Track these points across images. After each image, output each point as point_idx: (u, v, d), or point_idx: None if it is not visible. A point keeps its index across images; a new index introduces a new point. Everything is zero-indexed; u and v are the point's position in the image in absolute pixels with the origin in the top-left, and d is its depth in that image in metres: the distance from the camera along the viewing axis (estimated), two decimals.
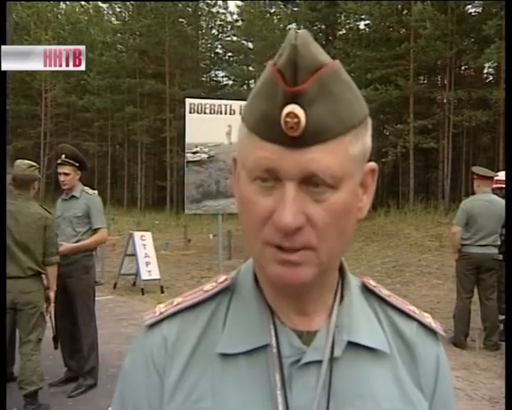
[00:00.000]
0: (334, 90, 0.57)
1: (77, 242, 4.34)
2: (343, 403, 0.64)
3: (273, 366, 0.63)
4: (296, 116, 0.55)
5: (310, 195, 0.58)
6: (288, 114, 0.55)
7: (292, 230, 0.57)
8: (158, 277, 8.81)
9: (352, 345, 0.66)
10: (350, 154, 0.59)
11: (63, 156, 4.27)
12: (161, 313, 0.70)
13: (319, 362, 0.64)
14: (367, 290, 0.73)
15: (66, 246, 4.22)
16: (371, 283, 0.74)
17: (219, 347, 0.66)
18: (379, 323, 0.70)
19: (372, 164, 0.66)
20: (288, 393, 0.63)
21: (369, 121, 0.63)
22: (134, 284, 9.31)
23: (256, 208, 0.59)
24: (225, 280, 0.71)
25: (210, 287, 0.71)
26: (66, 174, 4.28)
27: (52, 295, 4.03)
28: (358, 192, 0.63)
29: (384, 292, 0.73)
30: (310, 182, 0.57)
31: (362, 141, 0.61)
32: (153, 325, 0.70)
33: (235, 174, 0.67)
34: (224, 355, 0.65)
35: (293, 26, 29.15)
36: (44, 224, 3.88)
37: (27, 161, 4.05)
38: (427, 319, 0.74)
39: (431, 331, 0.73)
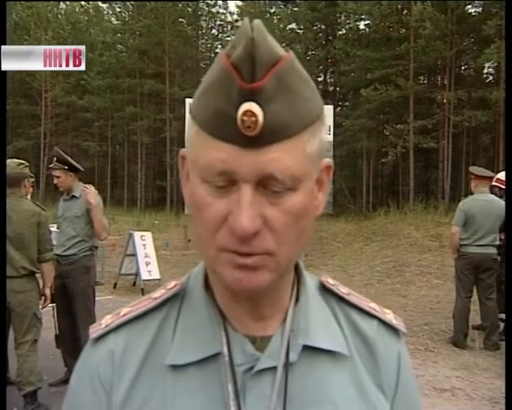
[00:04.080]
0: (292, 84, 0.54)
1: (78, 242, 4.37)
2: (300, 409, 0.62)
3: (225, 376, 0.60)
4: (254, 115, 0.51)
5: (266, 197, 0.54)
6: (244, 113, 0.51)
7: (249, 235, 0.53)
8: (158, 277, 8.82)
9: (309, 348, 0.63)
10: (308, 152, 0.56)
11: (54, 160, 4.42)
12: (107, 326, 0.66)
13: (274, 369, 0.61)
14: (325, 290, 0.70)
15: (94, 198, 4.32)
16: (329, 281, 0.71)
17: (169, 358, 0.62)
18: (337, 323, 0.68)
19: (328, 160, 0.62)
20: (242, 403, 0.60)
21: (325, 116, 0.60)
22: (134, 283, 9.32)
23: (209, 212, 0.55)
24: (175, 286, 0.68)
25: (159, 294, 0.68)
26: (57, 177, 4.42)
27: (48, 292, 4.02)
28: (314, 190, 0.60)
29: (343, 290, 0.71)
30: (267, 184, 0.54)
31: (319, 137, 0.57)
32: (98, 339, 0.66)
33: (183, 172, 0.63)
34: (175, 367, 0.62)
35: (293, 26, 29.21)
36: (38, 220, 3.88)
37: (17, 160, 4.09)
38: (389, 316, 0.72)
39: (392, 329, 0.71)
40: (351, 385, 0.64)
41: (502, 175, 5.68)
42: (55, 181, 4.46)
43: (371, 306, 0.71)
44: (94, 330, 0.67)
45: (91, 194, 4.35)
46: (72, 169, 4.44)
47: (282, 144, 0.53)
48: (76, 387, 0.67)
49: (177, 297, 0.67)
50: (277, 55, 0.53)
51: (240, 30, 0.53)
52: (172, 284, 0.69)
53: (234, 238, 0.54)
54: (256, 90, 0.51)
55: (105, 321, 0.68)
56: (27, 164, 4.15)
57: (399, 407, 0.69)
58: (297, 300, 0.66)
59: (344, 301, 0.70)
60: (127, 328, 0.66)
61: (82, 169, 4.59)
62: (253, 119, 0.51)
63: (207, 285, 0.66)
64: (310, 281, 0.69)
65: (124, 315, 0.67)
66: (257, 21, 0.53)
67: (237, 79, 0.52)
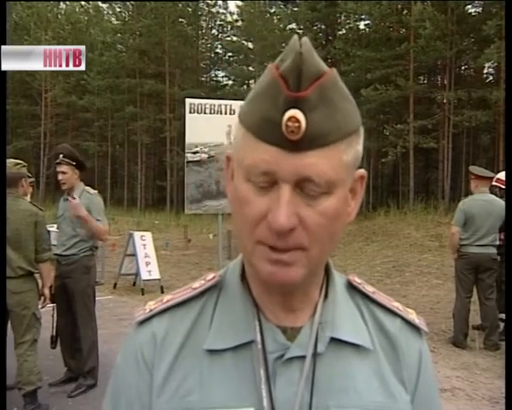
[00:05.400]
0: (333, 97, 0.59)
1: (78, 241, 4.36)
2: (326, 397, 0.66)
3: (258, 362, 0.66)
4: (297, 121, 0.57)
5: (303, 199, 0.60)
6: (289, 119, 0.57)
7: (285, 230, 0.58)
8: (158, 277, 8.82)
9: (336, 341, 0.69)
10: (344, 160, 0.61)
11: (61, 156, 4.33)
12: (151, 310, 0.72)
13: (303, 358, 0.66)
14: (352, 287, 0.75)
15: (81, 211, 4.22)
16: (356, 280, 0.76)
17: (206, 343, 0.68)
18: (362, 319, 0.73)
19: (362, 171, 0.67)
20: (273, 387, 0.65)
21: (362, 130, 0.65)
22: (134, 283, 9.31)
23: (251, 208, 0.61)
24: (213, 278, 0.74)
25: (198, 284, 0.74)
26: (63, 173, 4.32)
27: (46, 291, 4.01)
28: (348, 197, 0.65)
29: (368, 289, 0.76)
30: (304, 186, 0.59)
31: (354, 149, 0.63)
32: (143, 322, 0.72)
33: (228, 172, 0.69)
34: (211, 351, 0.68)
35: (293, 26, 29.19)
36: (35, 220, 3.86)
37: (14, 160, 4.06)
38: (411, 315, 0.77)
39: (414, 327, 0.76)
40: (373, 376, 0.69)
41: (502, 175, 5.67)
42: (60, 177, 4.32)
43: (395, 305, 0.76)
44: (138, 315, 0.73)
45: (78, 207, 4.20)
46: (80, 166, 4.41)
47: (320, 151, 0.59)
48: (122, 367, 0.73)
49: (216, 288, 0.73)
50: (322, 70, 0.58)
51: (289, 45, 0.59)
52: (211, 275, 0.74)
53: (271, 234, 0.60)
54: (300, 99, 0.57)
55: (148, 306, 0.74)
56: (24, 164, 4.14)
57: (419, 400, 0.73)
58: (326, 296, 0.71)
59: (369, 299, 0.75)
60: (169, 314, 0.72)
61: (88, 167, 4.57)
62: (297, 124, 0.57)
63: (244, 277, 0.72)
64: (339, 280, 0.75)
65: (166, 302, 0.73)
66: (305, 38, 0.59)
67: (284, 88, 0.57)
